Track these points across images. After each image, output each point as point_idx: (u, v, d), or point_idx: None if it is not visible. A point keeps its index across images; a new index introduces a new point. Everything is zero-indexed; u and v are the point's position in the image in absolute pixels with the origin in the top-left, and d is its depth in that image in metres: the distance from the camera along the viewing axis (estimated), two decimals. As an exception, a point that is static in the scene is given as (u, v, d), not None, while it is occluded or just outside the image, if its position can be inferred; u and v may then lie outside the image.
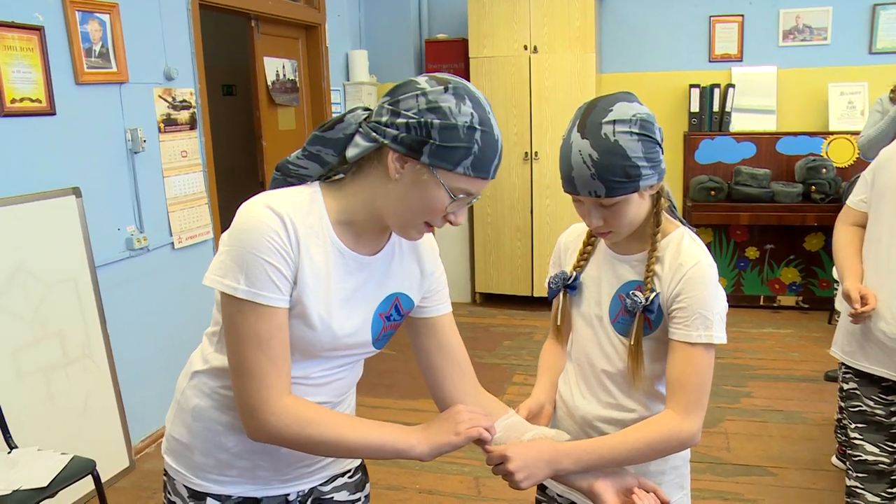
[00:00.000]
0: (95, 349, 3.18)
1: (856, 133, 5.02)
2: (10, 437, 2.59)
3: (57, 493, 2.34)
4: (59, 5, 3.02)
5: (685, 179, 5.45)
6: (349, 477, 1.49)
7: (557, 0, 5.12)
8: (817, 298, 5.34)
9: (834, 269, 3.42)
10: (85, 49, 3.14)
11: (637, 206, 1.35)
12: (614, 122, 1.28)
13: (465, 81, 1.21)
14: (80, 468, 2.45)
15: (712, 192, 5.16)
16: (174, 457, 1.37)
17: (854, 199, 2.29)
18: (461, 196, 1.19)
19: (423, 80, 1.19)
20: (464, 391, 1.40)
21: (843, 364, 2.32)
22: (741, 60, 5.40)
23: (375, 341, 1.33)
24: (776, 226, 5.20)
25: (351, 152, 1.21)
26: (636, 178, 1.30)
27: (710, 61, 5.47)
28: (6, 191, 2.82)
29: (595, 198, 1.32)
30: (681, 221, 1.45)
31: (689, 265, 1.35)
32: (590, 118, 1.30)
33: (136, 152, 3.45)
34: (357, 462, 1.51)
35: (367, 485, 1.56)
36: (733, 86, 5.28)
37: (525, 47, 5.23)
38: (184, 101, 3.77)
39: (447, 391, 1.40)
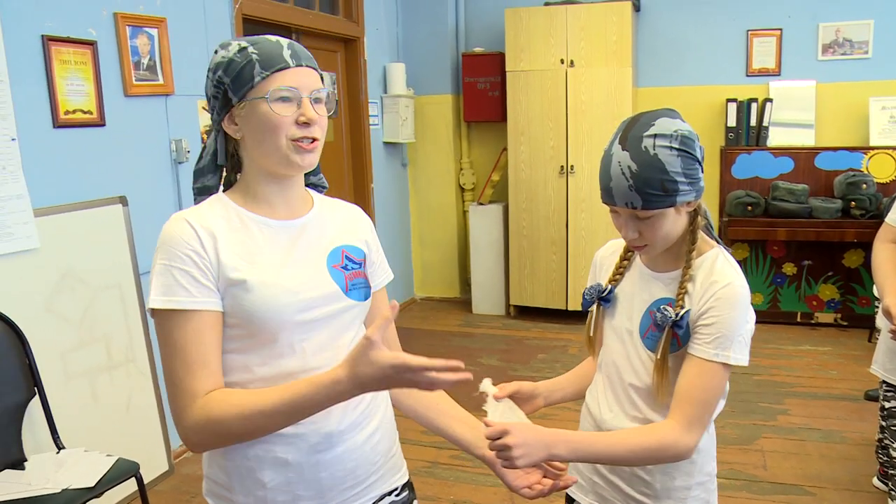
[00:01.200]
0: (138, 354, 3.26)
1: (898, 148, 4.96)
2: (59, 437, 2.67)
3: (103, 493, 2.40)
4: (111, 20, 3.13)
5: (722, 194, 5.41)
6: (396, 495, 1.44)
7: (594, 14, 5.15)
8: (857, 316, 5.26)
9: (874, 286, 3.38)
10: (134, 62, 3.24)
11: (673, 222, 1.37)
12: (655, 136, 1.31)
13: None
14: (124, 470, 2.51)
15: (749, 208, 5.11)
16: (216, 498, 1.35)
17: (893, 217, 2.28)
18: (274, 91, 1.23)
19: None
20: None
21: (884, 382, 2.30)
22: (779, 75, 5.36)
23: (347, 291, 1.33)
24: (814, 242, 5.14)
25: (219, 158, 1.33)
26: (673, 193, 1.32)
27: (747, 75, 5.44)
28: (58, 199, 2.91)
29: (631, 209, 1.34)
30: (717, 241, 1.46)
31: (721, 284, 1.36)
32: (632, 131, 1.34)
33: (180, 162, 3.54)
34: (404, 479, 1.47)
35: (415, 501, 1.52)
36: (771, 100, 5.24)
37: (562, 61, 5.26)
38: (227, 112, 3.86)
39: None
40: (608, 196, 1.37)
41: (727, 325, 1.34)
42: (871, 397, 3.92)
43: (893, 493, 2.22)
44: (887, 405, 2.27)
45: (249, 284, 1.23)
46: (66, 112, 2.92)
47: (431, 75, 5.95)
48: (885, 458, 2.96)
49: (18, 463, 2.52)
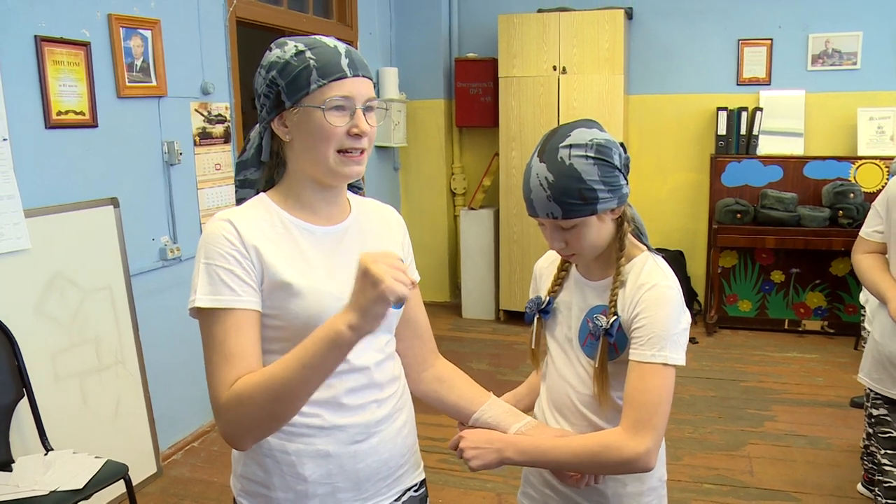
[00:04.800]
0: (128, 356, 3.25)
1: (885, 158, 5.01)
2: (47, 439, 2.67)
3: (91, 495, 2.40)
4: (104, 22, 3.13)
5: (711, 202, 5.45)
6: (415, 491, 1.49)
7: (587, 22, 5.18)
8: (843, 323, 5.30)
9: (861, 294, 3.41)
10: (127, 64, 3.24)
11: (597, 230, 1.38)
12: (570, 146, 1.34)
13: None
14: (113, 472, 2.51)
15: (738, 215, 5.15)
16: (251, 497, 1.35)
17: (867, 230, 2.33)
18: (328, 101, 1.24)
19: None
20: (422, 360, 1.53)
21: (871, 390, 2.32)
22: (769, 84, 5.40)
23: None
24: (802, 250, 5.18)
25: (263, 155, 1.34)
26: (592, 202, 1.34)
27: (738, 84, 5.48)
28: (49, 200, 2.91)
29: (553, 220, 1.37)
30: (647, 246, 1.47)
31: (647, 287, 1.37)
32: (549, 143, 1.37)
33: (171, 164, 3.54)
34: (422, 476, 1.52)
35: (428, 500, 1.57)
36: (761, 109, 5.29)
37: (554, 68, 5.29)
38: (219, 115, 3.87)
39: (407, 360, 1.51)
40: (530, 208, 1.39)
41: (658, 325, 1.34)
42: (856, 404, 3.96)
43: (880, 497, 2.24)
44: (875, 413, 2.29)
45: (298, 289, 1.25)
46: (59, 113, 2.91)
47: (424, 80, 5.96)
48: (871, 465, 2.99)
49: (6, 465, 2.51)
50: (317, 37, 1.30)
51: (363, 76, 1.28)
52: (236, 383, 1.19)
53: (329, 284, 1.29)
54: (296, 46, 1.26)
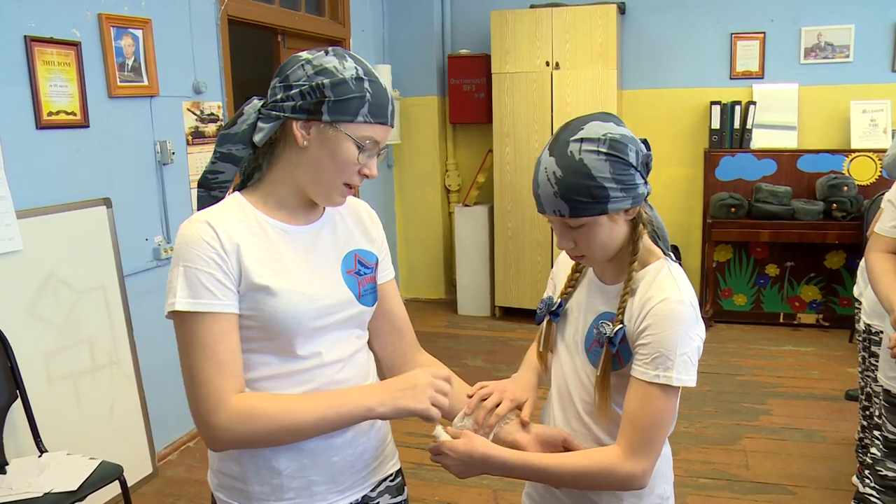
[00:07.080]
0: (122, 356, 3.24)
1: (878, 151, 5.02)
2: (41, 441, 2.66)
3: (86, 496, 2.39)
4: (95, 21, 3.11)
5: (705, 196, 5.45)
6: (391, 481, 1.50)
7: (580, 17, 5.18)
8: (838, 316, 5.32)
9: (855, 287, 3.41)
10: (118, 63, 3.22)
11: (608, 231, 1.30)
12: (582, 140, 1.25)
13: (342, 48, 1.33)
14: (107, 473, 2.50)
15: (732, 209, 5.16)
16: (227, 492, 1.37)
17: (884, 227, 2.19)
18: (367, 143, 1.27)
19: (304, 53, 1.30)
20: (402, 354, 1.54)
21: (885, 391, 2.28)
22: (762, 78, 5.41)
23: (360, 297, 1.39)
24: (797, 243, 5.19)
25: (257, 137, 1.29)
26: (603, 200, 1.25)
27: (731, 78, 5.49)
28: (41, 201, 2.89)
29: (560, 217, 1.29)
30: (664, 252, 1.37)
31: (656, 300, 1.28)
32: (560, 136, 1.29)
33: (164, 164, 3.53)
34: (397, 466, 1.53)
35: (405, 488, 1.58)
36: (754, 103, 5.29)
37: (547, 63, 5.28)
38: (211, 114, 3.85)
39: (387, 355, 1.54)
40: (539, 204, 1.32)
41: (665, 343, 1.26)
42: (851, 397, 3.97)
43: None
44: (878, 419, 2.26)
45: (273, 290, 1.26)
46: (50, 113, 2.90)
47: (417, 77, 5.95)
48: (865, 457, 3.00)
49: None
50: (371, 67, 1.30)
51: (391, 127, 1.32)
52: (249, 398, 1.23)
53: (303, 285, 1.30)
54: (356, 69, 1.26)
